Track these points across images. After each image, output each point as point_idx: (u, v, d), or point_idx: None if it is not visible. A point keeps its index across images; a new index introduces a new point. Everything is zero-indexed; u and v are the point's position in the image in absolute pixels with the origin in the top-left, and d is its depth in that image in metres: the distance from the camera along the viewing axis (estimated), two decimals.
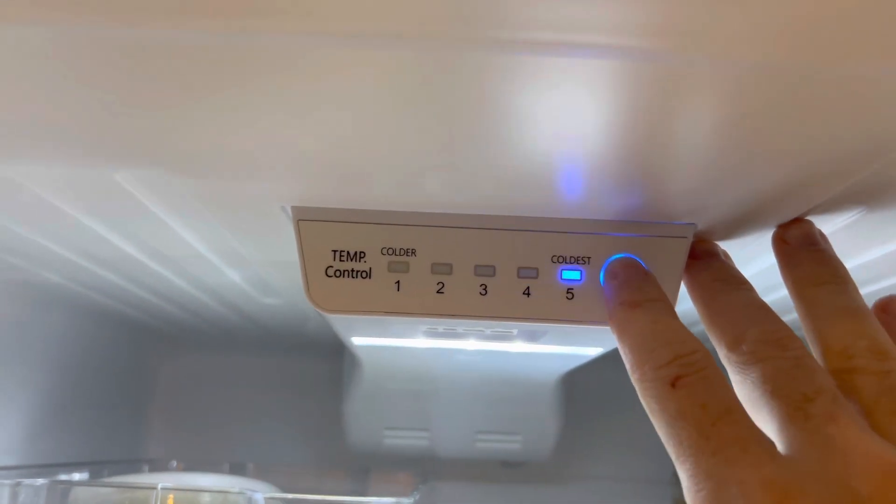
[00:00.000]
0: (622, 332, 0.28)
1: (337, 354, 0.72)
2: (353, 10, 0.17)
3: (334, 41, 0.19)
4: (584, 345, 0.39)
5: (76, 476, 0.55)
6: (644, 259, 0.32)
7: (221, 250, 0.40)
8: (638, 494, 0.75)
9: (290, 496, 0.40)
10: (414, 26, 0.18)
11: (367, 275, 0.32)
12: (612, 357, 0.75)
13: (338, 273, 0.31)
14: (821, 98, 0.20)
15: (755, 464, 0.22)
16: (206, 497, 0.47)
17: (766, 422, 0.25)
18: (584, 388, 0.79)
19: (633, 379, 0.27)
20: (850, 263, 0.37)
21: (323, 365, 0.77)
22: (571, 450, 0.78)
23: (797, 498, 0.21)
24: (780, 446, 0.23)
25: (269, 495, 0.39)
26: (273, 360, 0.82)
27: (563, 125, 0.23)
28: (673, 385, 0.25)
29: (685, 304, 0.46)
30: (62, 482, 0.43)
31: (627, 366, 0.27)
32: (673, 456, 0.24)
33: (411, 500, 0.39)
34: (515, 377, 0.56)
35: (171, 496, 0.48)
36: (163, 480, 0.55)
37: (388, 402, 0.64)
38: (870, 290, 0.43)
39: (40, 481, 0.40)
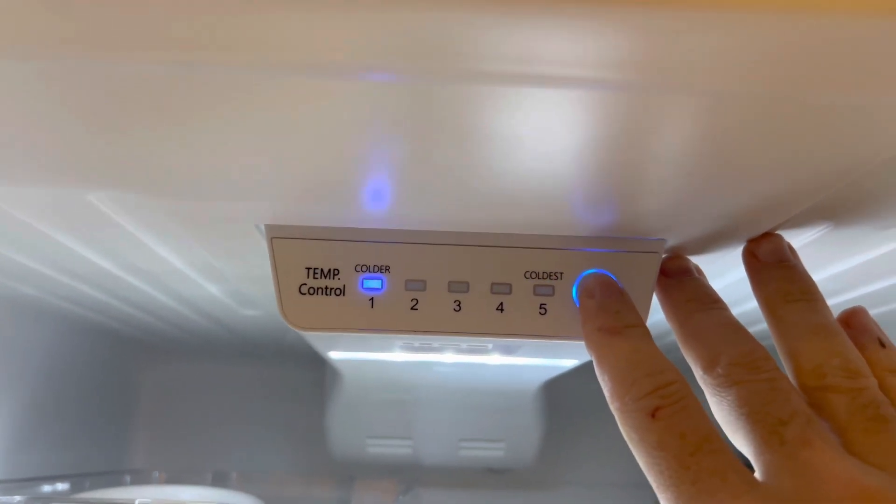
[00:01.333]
0: (601, 360, 0.28)
1: (320, 363, 0.72)
2: (317, 45, 0.17)
3: (299, 73, 0.19)
4: (559, 357, 0.39)
5: (59, 487, 0.55)
6: (616, 274, 0.32)
7: (198, 266, 0.40)
8: (621, 499, 0.76)
9: None
10: (378, 59, 0.18)
11: (341, 292, 0.32)
12: (591, 366, 0.76)
13: (311, 290, 0.32)
14: (789, 125, 0.21)
15: (734, 494, 0.23)
16: None
17: (742, 444, 0.25)
18: (567, 394, 0.79)
19: (613, 408, 0.27)
20: (816, 276, 0.38)
21: (306, 374, 0.77)
22: (555, 456, 0.79)
23: None
24: (757, 471, 0.24)
25: None
26: (256, 370, 0.82)
27: (535, 150, 0.23)
28: (653, 416, 0.25)
29: (659, 315, 0.46)
30: (39, 497, 0.43)
31: (606, 393, 0.28)
32: (654, 485, 0.25)
33: None
34: (497, 386, 0.56)
35: None
36: (144, 493, 0.55)
37: (370, 411, 0.64)
38: (836, 302, 0.43)
39: (17, 499, 0.40)
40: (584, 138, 0.22)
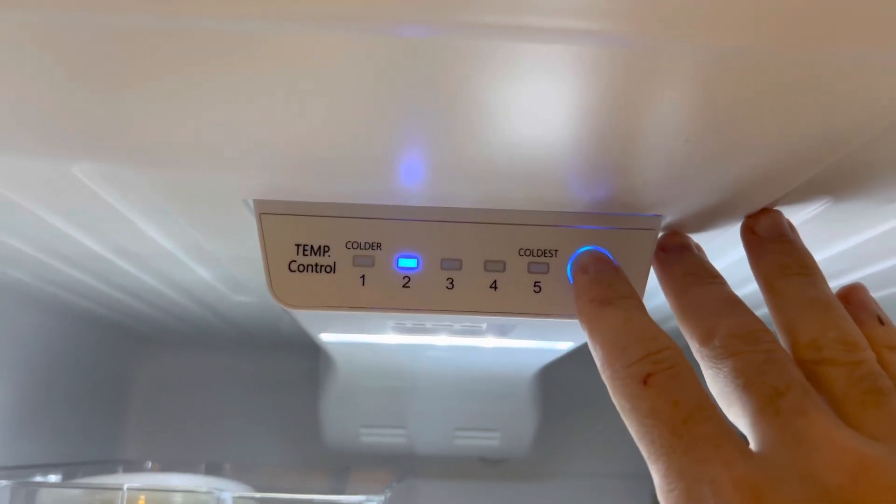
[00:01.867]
0: (592, 330, 0.28)
1: (314, 352, 0.71)
2: None
3: (294, 24, 0.18)
4: (555, 339, 0.38)
5: (51, 478, 0.55)
6: (611, 251, 0.32)
7: (187, 246, 0.39)
8: (617, 490, 0.75)
9: (259, 495, 0.40)
10: (377, 8, 0.17)
11: (332, 269, 0.31)
12: (588, 353, 0.75)
13: (301, 268, 0.31)
14: (786, 86, 0.20)
15: (727, 462, 0.22)
16: (178, 497, 0.46)
17: (738, 416, 0.25)
18: (563, 384, 0.78)
19: (604, 377, 0.26)
20: (817, 256, 0.37)
21: (300, 363, 0.76)
22: (551, 446, 0.78)
23: (768, 496, 0.21)
24: (752, 442, 0.23)
25: (237, 494, 0.38)
26: (250, 359, 0.81)
27: (531, 115, 0.23)
28: (644, 383, 0.25)
29: (659, 298, 0.46)
30: (28, 483, 0.42)
31: (598, 363, 0.27)
32: (645, 455, 0.24)
33: (382, 497, 0.38)
34: (492, 373, 0.56)
35: (143, 497, 0.47)
36: (136, 481, 0.55)
37: (364, 399, 0.64)
38: (838, 283, 0.43)
39: (3, 483, 0.39)
40: (577, 100, 0.22)
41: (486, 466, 0.77)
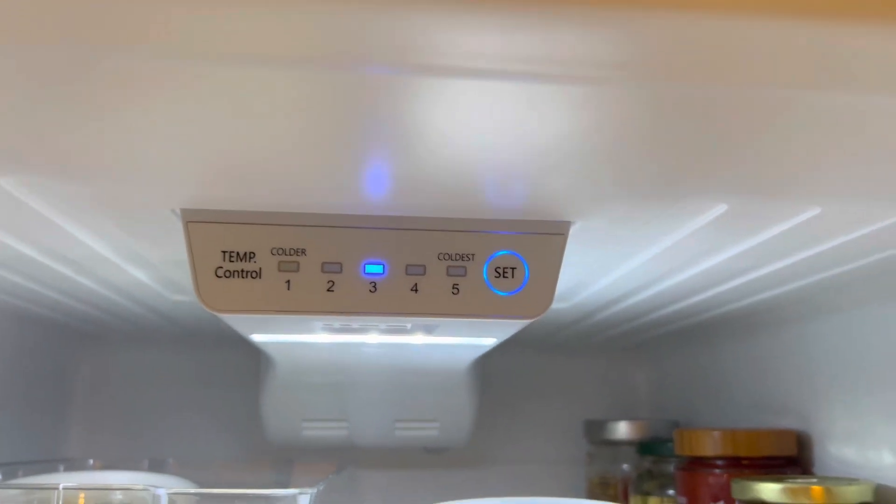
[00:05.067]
0: None
1: (256, 348, 0.72)
2: (225, 36, 0.18)
3: (208, 62, 0.19)
4: (478, 336, 0.40)
5: None
6: (524, 255, 0.34)
7: (120, 250, 0.40)
8: (554, 475, 0.78)
9: (193, 491, 0.41)
10: (291, 49, 0.19)
11: (257, 275, 0.32)
12: (525, 343, 0.78)
13: (227, 273, 0.32)
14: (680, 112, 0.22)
15: None
16: (118, 495, 0.47)
17: None
18: (500, 374, 0.81)
19: None
20: (721, 256, 0.40)
21: (243, 359, 0.77)
22: (491, 435, 0.81)
23: None
24: None
25: (172, 491, 0.39)
26: (193, 356, 0.82)
27: (449, 137, 0.24)
28: None
29: (585, 292, 0.48)
30: None
31: None
32: None
33: (315, 489, 0.40)
34: (428, 367, 0.57)
35: (82, 496, 0.48)
36: (74, 480, 0.55)
37: (304, 394, 0.65)
38: (743, 280, 0.45)
39: None
40: (492, 127, 0.24)
41: (429, 456, 0.79)
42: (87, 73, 0.20)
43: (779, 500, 0.45)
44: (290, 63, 0.20)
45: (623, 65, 0.19)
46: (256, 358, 0.72)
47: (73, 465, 0.70)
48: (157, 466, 0.69)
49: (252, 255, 0.32)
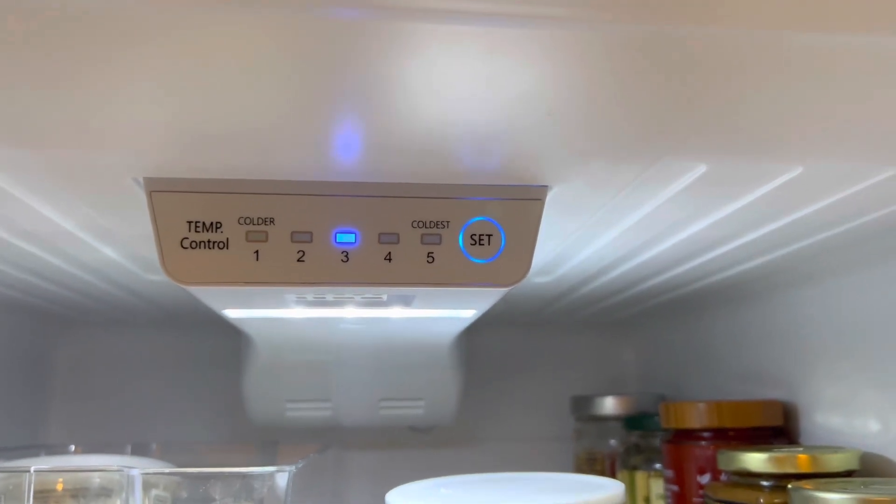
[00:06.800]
0: None
1: (237, 329, 0.71)
2: None
3: (166, 8, 0.18)
4: (456, 307, 0.39)
5: None
6: (500, 221, 0.33)
7: (86, 227, 0.39)
8: (542, 452, 0.78)
9: (167, 470, 0.40)
10: None
11: (225, 245, 0.31)
12: (512, 320, 0.77)
13: (193, 244, 0.31)
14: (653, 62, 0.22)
15: None
16: (96, 479, 0.46)
17: None
18: (487, 352, 0.80)
19: None
20: (701, 224, 0.39)
21: (225, 340, 0.76)
22: (478, 413, 0.80)
23: None
24: None
25: (145, 470, 0.38)
26: (174, 337, 0.80)
27: (419, 91, 0.23)
28: None
29: (570, 263, 0.47)
30: None
31: None
32: None
33: (293, 467, 0.39)
34: (411, 343, 0.56)
35: (60, 481, 0.47)
36: (47, 464, 0.54)
37: (287, 375, 0.64)
38: (722, 251, 0.45)
39: None
40: (468, 79, 0.23)
41: (416, 435, 0.79)
42: (36, 27, 0.19)
43: (765, 470, 0.44)
44: (252, 4, 0.19)
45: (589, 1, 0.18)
46: (238, 339, 0.71)
47: (54, 450, 0.69)
48: (140, 451, 0.68)
49: (219, 224, 0.31)
